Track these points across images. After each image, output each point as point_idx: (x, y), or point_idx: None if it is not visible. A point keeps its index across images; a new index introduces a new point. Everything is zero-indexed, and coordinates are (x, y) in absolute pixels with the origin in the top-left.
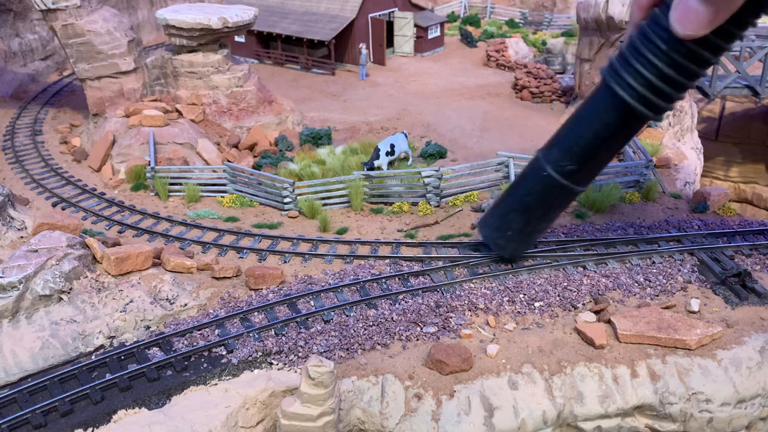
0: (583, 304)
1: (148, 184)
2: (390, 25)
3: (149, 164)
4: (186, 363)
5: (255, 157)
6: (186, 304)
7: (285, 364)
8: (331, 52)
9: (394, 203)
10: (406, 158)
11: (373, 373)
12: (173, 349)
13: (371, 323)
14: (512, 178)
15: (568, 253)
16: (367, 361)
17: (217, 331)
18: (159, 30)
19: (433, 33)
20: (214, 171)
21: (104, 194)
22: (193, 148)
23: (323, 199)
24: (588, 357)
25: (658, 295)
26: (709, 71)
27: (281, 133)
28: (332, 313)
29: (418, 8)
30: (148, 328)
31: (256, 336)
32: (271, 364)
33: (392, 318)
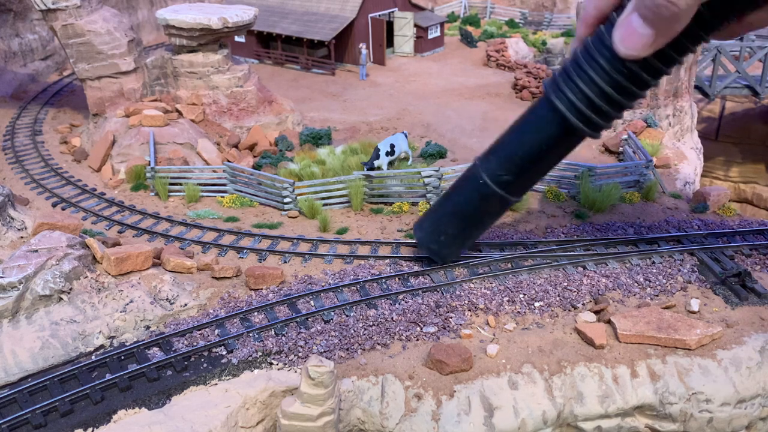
0: (583, 304)
1: (148, 184)
2: (390, 25)
3: (149, 164)
4: (186, 363)
5: (255, 157)
6: (186, 304)
7: (285, 364)
8: (331, 52)
9: (394, 203)
10: (406, 158)
11: (373, 373)
12: (173, 349)
13: (371, 323)
14: None
15: (568, 253)
16: (367, 361)
17: (217, 331)
18: (159, 30)
19: (433, 33)
20: (214, 171)
21: (104, 194)
22: (193, 148)
23: (323, 199)
24: (588, 357)
25: (658, 295)
26: (709, 71)
27: (281, 133)
28: (332, 313)
29: (418, 8)
30: (148, 328)
31: (256, 336)
32: (271, 364)
33: (392, 318)
